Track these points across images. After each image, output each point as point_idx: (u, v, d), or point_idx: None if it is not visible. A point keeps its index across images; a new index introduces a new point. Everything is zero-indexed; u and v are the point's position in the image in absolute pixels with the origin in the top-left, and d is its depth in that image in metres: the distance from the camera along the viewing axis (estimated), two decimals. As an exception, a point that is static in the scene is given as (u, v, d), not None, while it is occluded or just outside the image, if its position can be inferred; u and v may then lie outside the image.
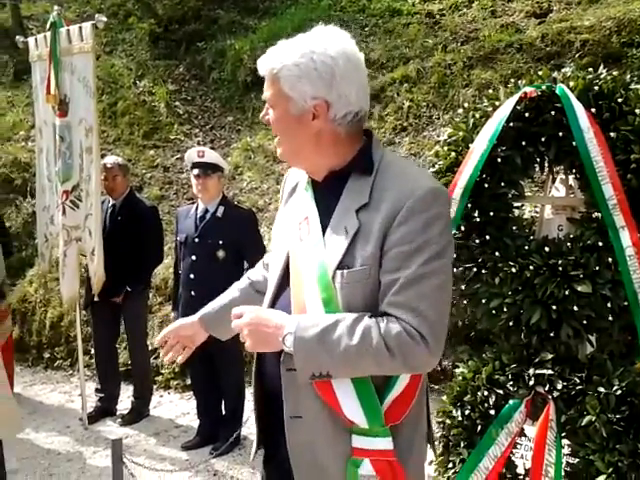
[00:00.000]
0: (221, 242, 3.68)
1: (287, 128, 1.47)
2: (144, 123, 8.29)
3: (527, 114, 2.44)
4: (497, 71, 6.01)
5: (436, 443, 2.48)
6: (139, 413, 4.50)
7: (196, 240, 3.76)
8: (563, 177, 2.65)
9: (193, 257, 3.76)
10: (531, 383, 2.41)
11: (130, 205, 4.41)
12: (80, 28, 4.04)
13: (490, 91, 2.69)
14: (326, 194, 1.50)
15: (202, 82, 8.92)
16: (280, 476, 1.51)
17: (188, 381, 4.97)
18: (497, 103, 2.55)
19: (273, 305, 1.55)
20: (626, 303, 2.33)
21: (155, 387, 4.92)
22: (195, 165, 3.77)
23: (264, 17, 9.32)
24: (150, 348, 4.73)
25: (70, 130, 4.10)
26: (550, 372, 2.39)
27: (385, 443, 1.41)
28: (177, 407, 4.80)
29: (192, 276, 3.75)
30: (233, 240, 3.69)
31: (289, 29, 8.50)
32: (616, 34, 5.76)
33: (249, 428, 3.93)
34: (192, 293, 3.76)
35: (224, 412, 3.99)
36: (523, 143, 2.47)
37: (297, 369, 1.36)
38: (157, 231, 4.47)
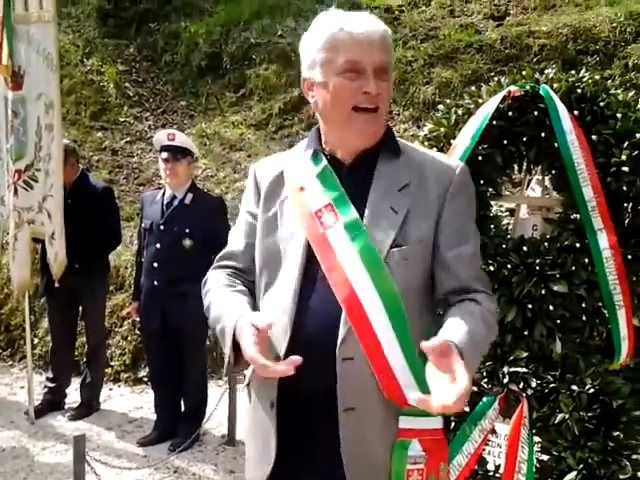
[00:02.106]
0: (188, 230, 3.56)
1: (390, 96, 1.49)
2: (91, 103, 7.98)
3: (510, 113, 2.45)
4: (457, 70, 6.08)
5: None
6: (89, 406, 4.32)
7: (161, 227, 3.63)
8: (539, 178, 2.68)
9: (157, 245, 3.62)
10: (505, 381, 2.43)
11: (82, 188, 4.20)
12: (39, -6, 3.79)
13: (472, 88, 2.69)
14: (355, 177, 1.46)
15: (154, 64, 8.66)
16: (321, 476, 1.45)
17: (140, 373, 4.83)
18: (480, 100, 2.55)
19: (300, 303, 1.43)
20: (600, 304, 2.39)
21: (104, 380, 4.73)
22: (164, 148, 3.63)
23: (220, 1, 9.12)
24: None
25: (25, 105, 3.86)
26: (524, 370, 2.42)
27: (436, 422, 1.43)
28: (129, 401, 4.64)
29: (155, 265, 3.62)
30: (201, 229, 3.57)
31: (247, 14, 8.36)
32: (572, 41, 5.94)
33: (209, 423, 3.85)
34: (154, 283, 3.63)
35: (183, 407, 3.87)
36: (505, 142, 2.48)
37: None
38: (113, 211, 4.29)
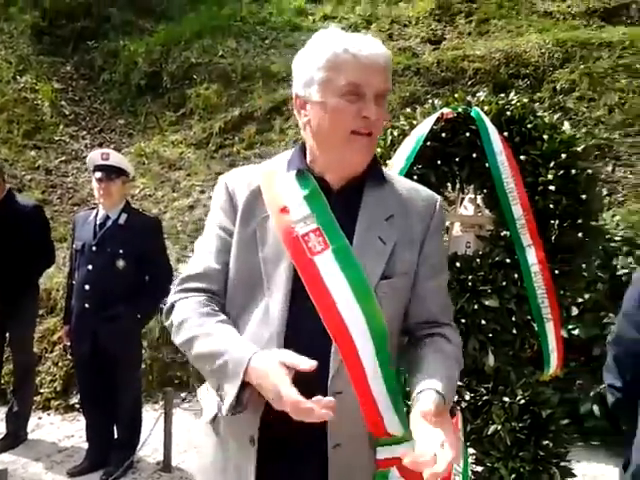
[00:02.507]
0: (122, 251, 3.47)
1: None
2: (25, 121, 7.73)
3: (443, 134, 2.53)
4: (396, 92, 6.22)
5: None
6: (16, 437, 4.08)
7: (94, 248, 3.52)
8: (472, 196, 2.76)
9: (89, 266, 3.51)
10: (442, 395, 2.47)
11: (9, 207, 4.01)
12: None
13: (407, 110, 2.76)
14: (342, 204, 1.41)
15: (91, 82, 8.49)
16: None
17: (71, 400, 4.63)
18: (414, 122, 2.62)
19: (287, 332, 1.35)
20: (529, 317, 2.47)
21: (32, 408, 4.50)
22: (98, 168, 3.54)
23: (161, 20, 9.06)
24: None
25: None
26: (458, 383, 2.47)
27: (410, 446, 1.39)
28: (59, 430, 4.41)
29: (87, 287, 3.51)
30: (135, 250, 3.48)
31: (188, 34, 8.33)
32: (504, 65, 6.18)
33: (144, 450, 3.73)
34: (86, 305, 3.51)
35: (116, 434, 3.73)
36: (438, 162, 2.55)
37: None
38: (44, 230, 4.11)
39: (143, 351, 3.97)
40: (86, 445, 3.81)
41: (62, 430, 4.41)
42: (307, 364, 1.22)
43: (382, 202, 1.43)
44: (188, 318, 1.39)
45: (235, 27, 8.33)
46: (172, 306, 1.45)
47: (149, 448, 3.80)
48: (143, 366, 4.01)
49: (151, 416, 3.98)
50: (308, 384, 1.23)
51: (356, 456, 1.37)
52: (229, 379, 1.29)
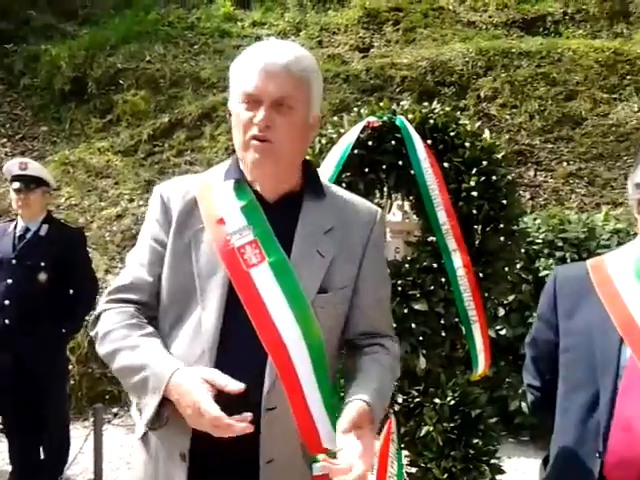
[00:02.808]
0: (43, 264, 3.34)
1: (299, 134, 1.38)
2: (-63, 128, 7.35)
3: (370, 142, 2.56)
4: (325, 99, 6.27)
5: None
6: None
7: (13, 262, 3.38)
8: (400, 203, 2.82)
9: (9, 280, 3.36)
10: (374, 399, 2.51)
11: None
12: None
13: (335, 118, 2.79)
14: (279, 216, 1.39)
15: (11, 87, 8.15)
16: None
17: (-5, 420, 4.42)
18: (342, 130, 2.65)
19: (221, 346, 1.32)
20: (457, 319, 2.54)
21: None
22: (15, 178, 3.40)
23: (84, 24, 8.80)
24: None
25: None
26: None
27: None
28: (-19, 451, 4.21)
29: (7, 302, 3.36)
30: (58, 262, 3.36)
31: (113, 39, 8.13)
32: (430, 73, 6.35)
33: (73, 469, 3.60)
34: (6, 321, 3.36)
35: (42, 454, 3.57)
36: (366, 170, 2.58)
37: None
38: None
39: (71, 366, 3.83)
40: (9, 468, 3.63)
41: (-16, 453, 4.20)
42: (235, 386, 1.21)
43: (321, 215, 1.42)
44: (113, 329, 1.36)
45: (162, 32, 8.20)
46: (99, 316, 1.42)
47: (79, 467, 3.68)
48: (72, 382, 3.87)
49: (82, 434, 3.85)
50: (241, 400, 1.22)
51: (290, 472, 1.36)
52: (149, 393, 1.28)
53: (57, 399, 3.53)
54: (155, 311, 1.42)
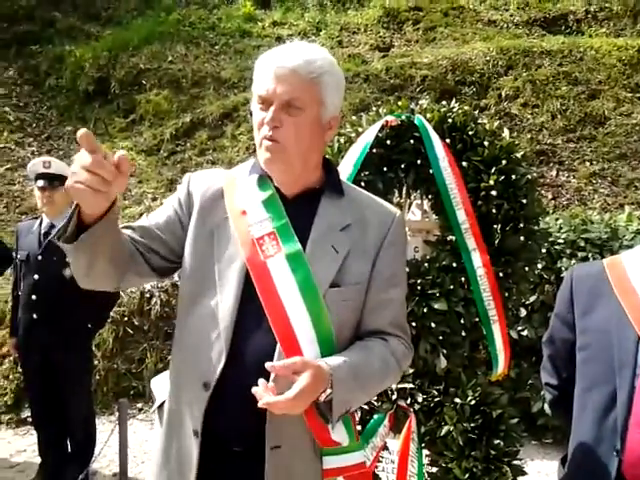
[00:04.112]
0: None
1: (308, 134, 1.41)
2: (-34, 128, 7.51)
3: (388, 141, 2.57)
4: (346, 99, 6.29)
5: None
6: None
7: (39, 258, 3.44)
8: (419, 202, 2.82)
9: (36, 276, 3.43)
10: (394, 397, 2.51)
11: None
12: None
13: (354, 117, 2.80)
14: (297, 211, 1.45)
15: (36, 88, 8.30)
16: None
17: (23, 414, 4.52)
18: (360, 129, 2.66)
19: (236, 330, 1.39)
20: (477, 319, 2.54)
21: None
22: (40, 176, 3.47)
23: (107, 25, 8.93)
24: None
25: None
26: (411, 386, 2.52)
27: (359, 456, 1.45)
28: (11, 444, 4.30)
29: (34, 297, 3.43)
30: (83, 258, 3.42)
31: (135, 40, 8.24)
32: (451, 72, 6.32)
33: (99, 462, 3.66)
34: (34, 316, 3.43)
35: (69, 447, 3.65)
36: (384, 169, 2.59)
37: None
38: None
39: (97, 362, 3.90)
40: (39, 460, 3.72)
41: (14, 445, 4.31)
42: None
43: (339, 212, 1.47)
44: None
45: (184, 32, 8.28)
46: None
47: (105, 460, 3.75)
48: (98, 377, 3.93)
49: (107, 428, 3.92)
50: (253, 383, 1.27)
51: (297, 460, 1.40)
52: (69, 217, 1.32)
53: (82, 394, 3.59)
54: (142, 247, 1.46)
